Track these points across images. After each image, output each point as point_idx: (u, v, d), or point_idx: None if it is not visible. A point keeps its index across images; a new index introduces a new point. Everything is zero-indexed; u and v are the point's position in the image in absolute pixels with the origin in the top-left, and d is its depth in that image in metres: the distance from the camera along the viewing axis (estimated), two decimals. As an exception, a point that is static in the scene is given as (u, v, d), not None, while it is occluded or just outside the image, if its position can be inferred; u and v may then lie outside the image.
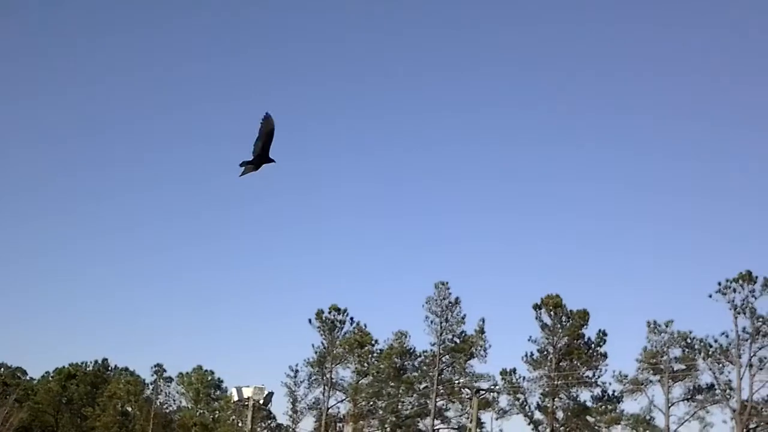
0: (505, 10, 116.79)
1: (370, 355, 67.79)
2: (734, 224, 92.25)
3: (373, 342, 67.56)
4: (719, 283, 53.24)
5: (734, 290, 52.91)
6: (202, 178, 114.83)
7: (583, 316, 59.58)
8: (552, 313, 60.04)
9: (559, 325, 59.88)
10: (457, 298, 63.75)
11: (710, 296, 53.28)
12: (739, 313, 52.90)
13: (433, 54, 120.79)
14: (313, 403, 68.49)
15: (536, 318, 60.56)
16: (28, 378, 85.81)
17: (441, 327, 63.50)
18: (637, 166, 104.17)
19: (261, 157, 11.79)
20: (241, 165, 12.00)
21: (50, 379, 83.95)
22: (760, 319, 52.54)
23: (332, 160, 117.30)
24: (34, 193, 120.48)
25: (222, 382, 78.57)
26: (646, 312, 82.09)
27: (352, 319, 68.19)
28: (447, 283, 63.97)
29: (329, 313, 68.22)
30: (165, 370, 79.39)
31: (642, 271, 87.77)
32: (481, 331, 63.20)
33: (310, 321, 68.25)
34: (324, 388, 67.54)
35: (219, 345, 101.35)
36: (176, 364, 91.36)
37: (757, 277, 52.67)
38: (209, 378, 78.30)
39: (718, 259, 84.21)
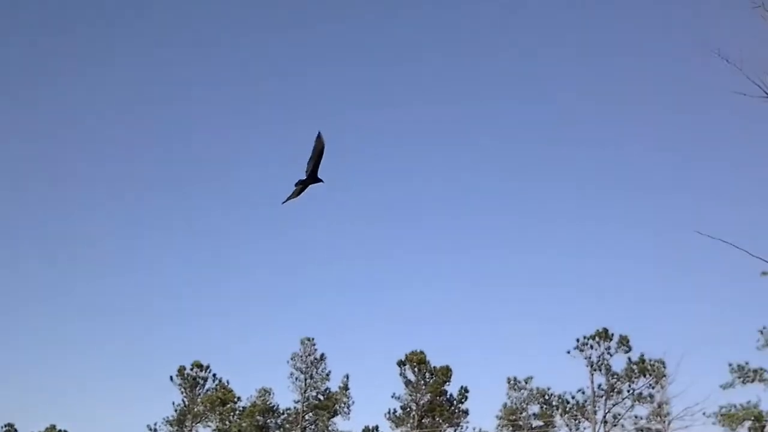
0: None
1: (232, 413, 65.87)
2: (592, 282, 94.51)
3: (235, 399, 65.75)
4: (577, 340, 54.32)
5: (591, 347, 54.06)
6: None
7: (446, 372, 59.69)
8: (416, 369, 59.98)
9: (422, 382, 59.79)
10: (322, 355, 63.03)
11: (568, 352, 54.32)
12: (595, 370, 54.00)
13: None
14: (172, 463, 65.91)
15: (400, 374, 60.37)
16: None
17: (305, 384, 62.54)
18: (495, 226, 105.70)
19: (312, 177, 11.47)
20: (296, 185, 11.71)
21: None
22: (615, 376, 53.72)
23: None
24: None
25: (75, 441, 74.88)
26: (507, 368, 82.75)
27: (214, 375, 66.44)
28: (313, 339, 63.30)
29: (191, 369, 66.32)
30: (16, 430, 75.19)
31: (502, 326, 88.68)
32: (346, 387, 62.47)
33: (171, 378, 66.14)
34: (184, 448, 65.18)
35: (74, 403, 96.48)
36: (29, 424, 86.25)
37: (612, 335, 54.03)
38: (62, 437, 74.45)
39: (576, 316, 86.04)
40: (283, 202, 12.09)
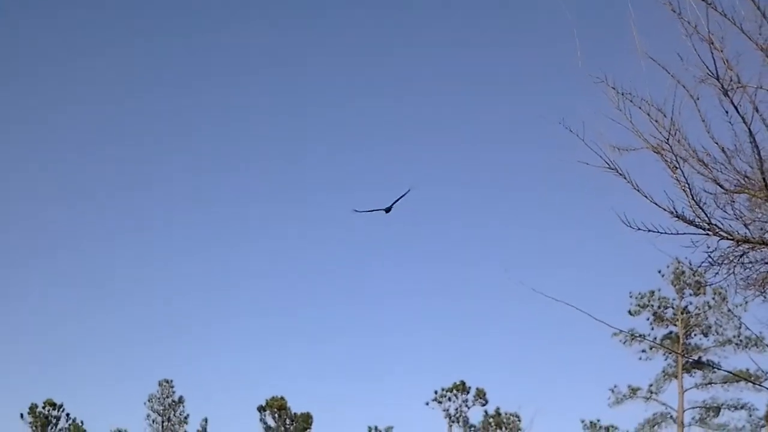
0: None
1: (84, 455, 63.81)
2: (450, 333, 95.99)
3: (89, 440, 63.71)
4: (435, 392, 54.73)
5: (449, 399, 54.53)
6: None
7: (307, 419, 59.14)
8: (276, 415, 59.24)
9: (282, 428, 59.09)
10: (180, 397, 61.64)
11: (427, 404, 54.66)
12: (453, 422, 54.50)
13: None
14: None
15: (260, 420, 59.50)
16: None
17: (163, 427, 60.99)
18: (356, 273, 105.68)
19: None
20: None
21: None
22: (472, 428, 54.35)
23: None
24: None
25: None
26: (367, 417, 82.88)
27: (68, 415, 64.08)
28: (171, 381, 61.80)
29: (43, 407, 63.81)
30: None
31: (363, 374, 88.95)
32: (204, 431, 61.28)
33: (22, 416, 63.57)
34: (30, 492, 62.66)
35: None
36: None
37: (470, 387, 54.61)
38: None
39: (434, 367, 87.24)
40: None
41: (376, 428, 57.53)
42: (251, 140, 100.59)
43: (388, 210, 16.17)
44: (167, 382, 61.79)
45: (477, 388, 54.67)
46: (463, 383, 54.61)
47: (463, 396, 54.59)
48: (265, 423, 59.57)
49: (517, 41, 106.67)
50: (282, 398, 59.59)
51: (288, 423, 59.39)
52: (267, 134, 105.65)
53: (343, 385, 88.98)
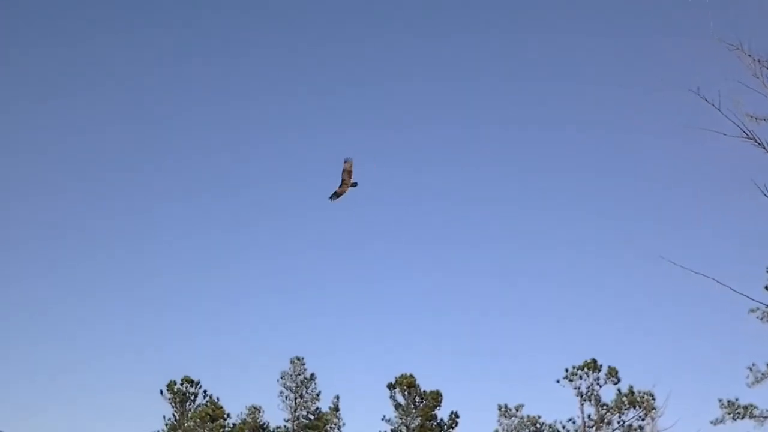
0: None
1: (221, 430, 65.88)
2: (580, 311, 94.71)
3: (225, 416, 65.74)
4: (566, 370, 54.29)
5: (580, 377, 54.01)
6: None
7: (436, 396, 59.62)
8: (406, 392, 59.91)
9: (412, 405, 59.74)
10: (312, 374, 62.99)
11: (557, 382, 54.33)
12: (585, 400, 53.99)
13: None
14: (162, 478, 66.07)
15: (390, 397, 60.31)
16: None
17: (296, 403, 62.53)
18: (488, 255, 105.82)
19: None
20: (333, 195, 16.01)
21: None
22: (605, 407, 53.73)
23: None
24: None
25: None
26: (496, 395, 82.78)
27: (205, 391, 66.37)
28: (303, 358, 63.21)
29: (181, 384, 66.25)
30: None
31: (493, 352, 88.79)
32: (336, 408, 62.48)
33: (161, 392, 66.13)
34: (173, 463, 65.29)
35: (66, 415, 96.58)
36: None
37: (601, 366, 53.98)
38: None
39: (565, 345, 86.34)
40: (330, 198, 16.24)
41: (505, 406, 57.51)
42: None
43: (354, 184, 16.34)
44: (299, 359, 63.21)
45: (609, 366, 54.00)
46: (594, 361, 53.99)
47: (595, 374, 53.97)
48: (395, 400, 60.33)
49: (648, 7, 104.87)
50: (411, 376, 60.20)
51: (418, 400, 59.99)
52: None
53: (473, 363, 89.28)
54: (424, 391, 59.90)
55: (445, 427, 59.61)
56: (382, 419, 60.37)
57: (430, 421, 59.53)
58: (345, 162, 15.56)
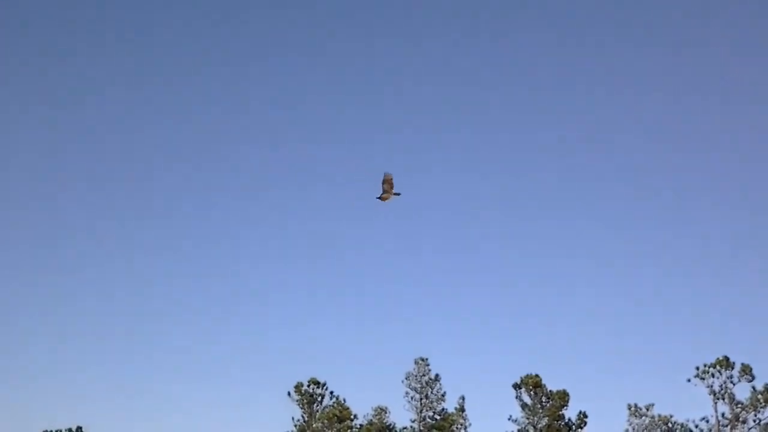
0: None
1: (349, 430, 67.25)
2: (713, 308, 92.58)
3: (352, 417, 67.06)
4: (697, 368, 53.53)
5: (712, 375, 53.18)
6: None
7: (563, 396, 59.53)
8: (532, 392, 60.01)
9: (539, 405, 59.80)
10: (437, 375, 63.75)
11: (689, 380, 53.61)
12: (718, 399, 53.10)
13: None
14: (293, 477, 67.80)
15: (516, 397, 60.53)
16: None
17: (421, 404, 63.32)
18: (618, 242, 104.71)
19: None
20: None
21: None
22: (739, 405, 52.72)
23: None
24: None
25: (200, 454, 77.85)
26: (625, 394, 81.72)
27: (332, 393, 67.83)
28: (427, 359, 64.01)
29: (308, 386, 67.86)
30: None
31: (622, 351, 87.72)
32: (462, 409, 63.06)
33: (289, 394, 67.90)
34: (304, 463, 66.94)
35: (195, 418, 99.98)
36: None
37: (734, 363, 52.99)
38: (187, 449, 77.68)
39: (696, 343, 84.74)
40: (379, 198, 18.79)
41: (635, 405, 57.06)
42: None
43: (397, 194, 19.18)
44: (423, 360, 64.03)
45: (742, 364, 53.01)
46: (726, 358, 53.12)
47: (728, 372, 53.06)
48: (521, 400, 60.54)
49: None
50: (537, 376, 60.29)
51: (544, 400, 60.04)
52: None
53: (600, 362, 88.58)
54: (550, 391, 59.94)
55: (573, 427, 59.48)
56: (509, 419, 60.70)
57: (557, 421, 59.50)
58: (385, 175, 18.65)
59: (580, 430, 59.38)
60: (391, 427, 65.82)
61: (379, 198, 18.81)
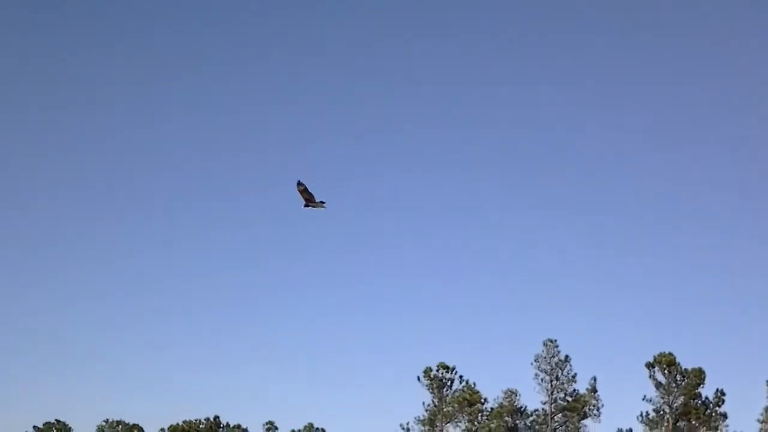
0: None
1: (479, 414, 67.78)
2: None
3: (482, 400, 67.57)
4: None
5: None
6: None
7: (699, 374, 58.63)
8: (666, 371, 59.25)
9: (674, 384, 58.97)
10: (566, 356, 63.64)
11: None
12: None
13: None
14: (426, 461, 68.76)
15: (650, 377, 59.86)
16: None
17: (551, 385, 63.28)
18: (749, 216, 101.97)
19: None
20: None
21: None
22: None
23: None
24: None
25: (332, 439, 79.39)
26: (764, 371, 79.17)
27: (461, 377, 68.46)
28: (555, 340, 63.96)
29: (437, 370, 68.64)
30: (276, 428, 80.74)
31: (761, 326, 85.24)
32: (593, 389, 62.79)
33: (418, 378, 68.84)
34: (435, 446, 67.83)
35: (328, 402, 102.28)
36: (287, 421, 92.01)
37: None
38: (320, 436, 79.26)
39: None
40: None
41: (776, 382, 55.66)
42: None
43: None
44: (551, 341, 63.99)
45: None
46: None
47: None
48: (655, 379, 59.84)
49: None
50: (671, 354, 59.51)
51: (679, 379, 59.18)
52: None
53: (736, 337, 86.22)
54: (685, 369, 59.07)
55: (711, 405, 58.46)
56: (643, 399, 60.15)
57: (693, 399, 58.63)
58: (298, 185, 19.15)
59: (717, 408, 58.34)
60: (522, 409, 66.06)
61: (310, 205, 19.48)
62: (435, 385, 68.40)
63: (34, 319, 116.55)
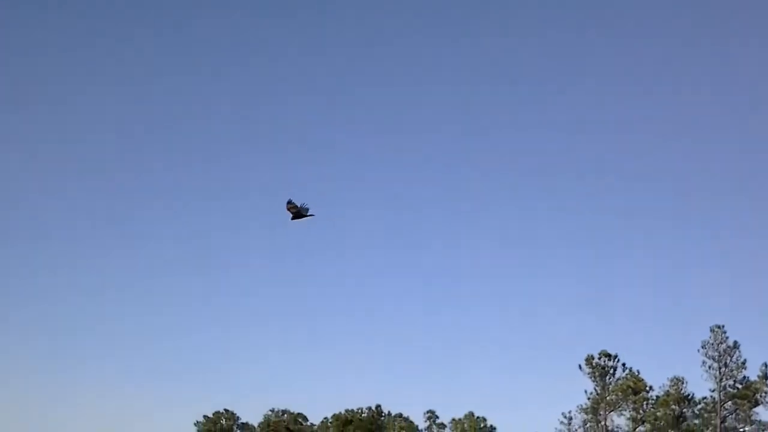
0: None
1: (645, 402, 67.11)
2: None
3: (647, 388, 66.89)
4: None
5: None
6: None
7: None
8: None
9: None
10: (735, 342, 62.27)
11: None
12: None
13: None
14: (589, 451, 68.65)
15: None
16: (308, 423, 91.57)
17: (720, 373, 62.02)
18: None
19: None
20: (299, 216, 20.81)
21: (329, 424, 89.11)
22: None
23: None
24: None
25: (494, 429, 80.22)
26: None
27: (624, 365, 67.97)
28: (723, 326, 62.66)
29: (599, 358, 68.37)
30: (437, 416, 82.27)
31: None
32: (765, 376, 61.15)
33: (580, 367, 68.74)
34: (600, 436, 67.64)
35: (489, 391, 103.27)
36: (449, 410, 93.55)
37: None
38: (481, 425, 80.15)
39: None
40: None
41: None
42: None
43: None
44: (719, 327, 62.73)
45: None
46: None
47: None
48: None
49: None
50: None
51: None
52: None
53: None
54: None
55: None
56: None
57: None
58: (288, 204, 21.15)
59: None
60: (689, 397, 64.98)
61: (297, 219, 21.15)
62: (597, 374, 68.23)
63: (208, 316, 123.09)
